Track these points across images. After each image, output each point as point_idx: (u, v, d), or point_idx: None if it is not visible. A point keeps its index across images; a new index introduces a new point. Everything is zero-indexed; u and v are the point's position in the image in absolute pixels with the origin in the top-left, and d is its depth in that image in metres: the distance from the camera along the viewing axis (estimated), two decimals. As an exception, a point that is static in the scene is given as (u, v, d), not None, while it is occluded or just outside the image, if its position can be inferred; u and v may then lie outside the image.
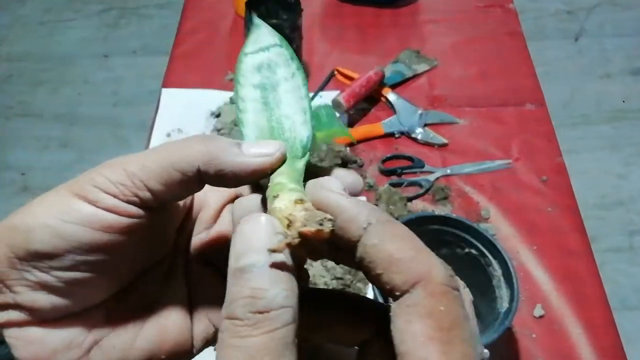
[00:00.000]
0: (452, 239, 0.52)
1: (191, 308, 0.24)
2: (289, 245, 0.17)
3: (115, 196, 0.19)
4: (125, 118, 1.53)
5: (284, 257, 0.17)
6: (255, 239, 0.17)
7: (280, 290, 0.17)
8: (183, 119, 0.74)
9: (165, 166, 0.20)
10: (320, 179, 0.20)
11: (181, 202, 0.24)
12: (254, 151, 0.20)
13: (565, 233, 0.64)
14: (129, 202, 0.20)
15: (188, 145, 0.20)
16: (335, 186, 0.19)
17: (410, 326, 0.17)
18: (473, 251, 0.51)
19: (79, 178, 0.20)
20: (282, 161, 0.21)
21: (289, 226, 0.18)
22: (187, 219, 0.25)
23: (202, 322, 0.24)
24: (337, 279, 0.58)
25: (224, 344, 0.17)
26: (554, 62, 1.64)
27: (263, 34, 0.25)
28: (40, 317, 0.20)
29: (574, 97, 1.57)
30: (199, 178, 0.20)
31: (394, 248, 0.17)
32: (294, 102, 0.23)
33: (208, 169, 0.20)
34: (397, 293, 0.17)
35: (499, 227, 0.64)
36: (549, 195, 0.67)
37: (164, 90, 0.78)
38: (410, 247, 0.18)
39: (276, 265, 0.17)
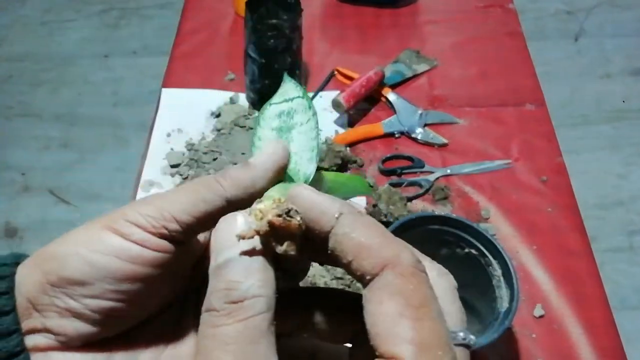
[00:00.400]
0: (452, 239, 0.52)
1: None
2: (257, 232, 0.18)
3: (145, 229, 0.20)
4: (126, 118, 1.53)
5: (253, 243, 0.18)
6: (231, 235, 0.19)
7: (254, 281, 0.18)
8: (183, 119, 0.74)
9: (194, 199, 0.21)
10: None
11: (201, 237, 0.25)
12: (262, 159, 0.22)
13: (565, 233, 0.64)
14: (158, 235, 0.21)
15: (215, 182, 0.22)
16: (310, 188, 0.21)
17: (381, 307, 0.17)
18: (473, 251, 0.51)
19: (111, 213, 0.21)
20: (288, 154, 0.23)
21: (261, 219, 0.19)
22: (205, 256, 0.25)
23: None
24: (337, 278, 0.58)
25: (201, 335, 0.18)
26: (553, 62, 1.64)
27: (289, 88, 0.27)
28: (65, 343, 0.21)
29: (574, 97, 1.57)
30: (226, 208, 0.21)
31: (363, 235, 0.18)
32: (304, 142, 0.25)
33: (238, 195, 0.21)
34: (368, 277, 0.18)
35: (499, 227, 0.65)
36: (548, 195, 0.67)
37: (164, 90, 0.78)
38: (378, 235, 0.19)
39: (246, 253, 0.18)
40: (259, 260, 0.18)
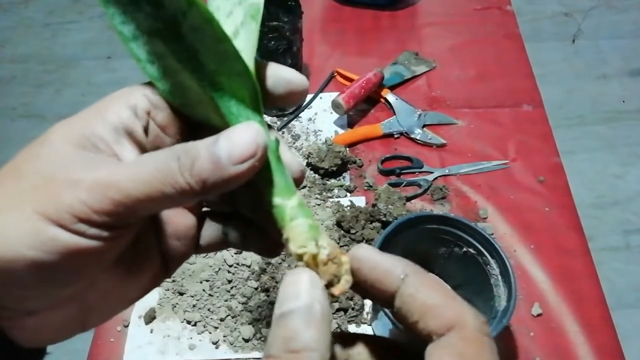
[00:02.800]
0: (450, 238, 0.53)
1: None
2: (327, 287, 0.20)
3: (86, 220, 0.18)
4: (127, 119, 1.53)
5: (316, 296, 0.19)
6: (296, 289, 0.19)
7: (313, 333, 0.18)
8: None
9: (149, 189, 0.18)
10: (357, 247, 0.21)
11: None
12: (234, 156, 0.19)
13: (562, 232, 0.64)
14: (99, 224, 0.18)
15: (178, 174, 0.19)
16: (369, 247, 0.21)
17: None
18: (471, 250, 0.52)
19: (51, 188, 0.18)
20: (265, 147, 0.19)
21: (316, 265, 0.20)
22: None
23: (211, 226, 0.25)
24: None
25: None
26: (551, 63, 1.65)
27: None
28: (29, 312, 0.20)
29: (571, 98, 1.58)
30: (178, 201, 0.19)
31: (429, 297, 0.19)
32: (245, 43, 0.22)
33: (200, 197, 0.19)
34: (434, 337, 0.19)
35: (497, 226, 0.65)
36: (546, 195, 0.68)
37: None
38: (441, 295, 0.20)
39: (308, 306, 0.19)
40: (320, 314, 0.19)
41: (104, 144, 0.20)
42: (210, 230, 0.25)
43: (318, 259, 0.20)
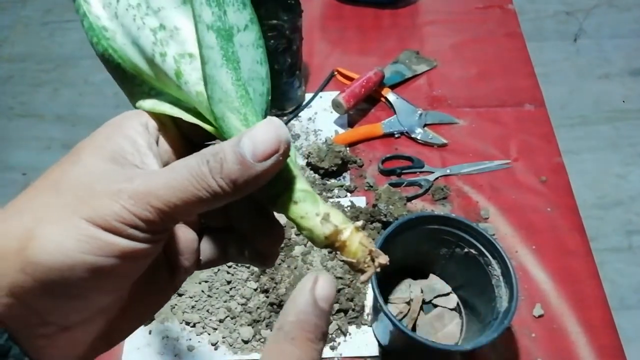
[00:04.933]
0: (451, 239, 0.53)
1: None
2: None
3: (130, 224, 0.19)
4: (126, 119, 1.53)
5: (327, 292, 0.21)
6: (308, 288, 0.21)
7: (322, 325, 0.20)
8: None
9: (184, 194, 0.19)
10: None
11: None
12: (258, 154, 0.19)
13: (564, 233, 0.64)
14: (143, 228, 0.19)
15: (209, 176, 0.19)
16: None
17: None
18: (472, 251, 0.52)
19: (95, 198, 0.19)
20: (289, 146, 0.20)
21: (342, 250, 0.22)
22: None
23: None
24: (338, 278, 0.58)
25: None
26: (552, 62, 1.64)
27: None
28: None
29: (573, 97, 1.58)
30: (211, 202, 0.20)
31: None
32: (249, 64, 0.22)
33: (229, 198, 0.20)
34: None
35: (498, 227, 0.65)
36: (548, 195, 0.68)
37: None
38: None
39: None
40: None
41: (132, 157, 0.21)
42: (209, 245, 0.26)
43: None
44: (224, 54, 0.21)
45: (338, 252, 0.22)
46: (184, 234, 0.25)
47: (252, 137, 0.19)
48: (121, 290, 0.21)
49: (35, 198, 0.20)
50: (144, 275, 0.22)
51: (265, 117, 0.23)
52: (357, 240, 0.22)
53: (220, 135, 0.22)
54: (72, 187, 0.19)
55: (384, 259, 0.22)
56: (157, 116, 0.24)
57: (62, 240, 0.18)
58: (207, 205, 0.20)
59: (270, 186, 0.22)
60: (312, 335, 0.20)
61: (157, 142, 0.23)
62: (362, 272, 0.22)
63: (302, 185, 0.22)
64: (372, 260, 0.22)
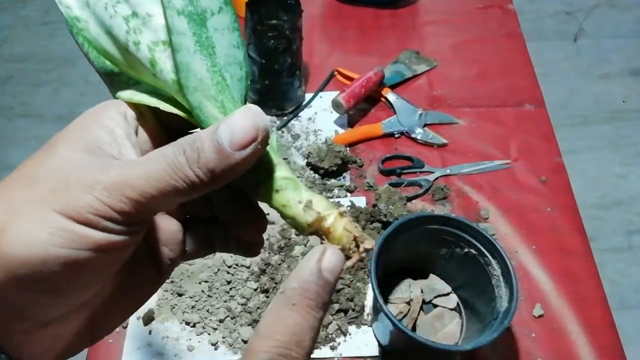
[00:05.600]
0: (451, 239, 0.53)
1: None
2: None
3: (104, 216, 0.18)
4: (126, 119, 1.53)
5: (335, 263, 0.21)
6: (314, 261, 0.21)
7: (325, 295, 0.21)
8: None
9: (160, 184, 0.19)
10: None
11: None
12: (236, 143, 0.19)
13: (565, 233, 0.64)
14: (119, 220, 0.19)
15: (186, 166, 0.19)
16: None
17: None
18: (472, 251, 0.52)
19: (68, 190, 0.18)
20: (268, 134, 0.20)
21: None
22: None
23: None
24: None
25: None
26: (552, 62, 1.64)
27: None
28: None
29: (573, 97, 1.58)
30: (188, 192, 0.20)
31: None
32: (226, 49, 0.22)
33: (206, 188, 0.20)
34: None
35: (498, 227, 0.65)
36: (548, 195, 0.68)
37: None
38: None
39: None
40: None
41: (109, 147, 0.21)
42: (195, 236, 0.26)
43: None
44: (197, 40, 0.20)
45: (324, 240, 0.22)
46: (168, 225, 0.24)
47: (230, 125, 0.19)
48: (100, 283, 0.21)
49: (9, 191, 0.19)
50: (127, 268, 0.22)
51: (245, 102, 0.22)
52: (342, 226, 0.22)
53: (199, 124, 0.22)
54: (47, 179, 0.19)
55: (369, 243, 0.22)
56: (136, 106, 0.23)
57: (34, 233, 0.18)
58: (185, 195, 0.19)
59: (250, 175, 0.21)
60: (312, 303, 0.20)
61: (136, 133, 0.23)
62: (349, 258, 0.22)
63: (283, 172, 0.22)
64: (357, 246, 0.22)
